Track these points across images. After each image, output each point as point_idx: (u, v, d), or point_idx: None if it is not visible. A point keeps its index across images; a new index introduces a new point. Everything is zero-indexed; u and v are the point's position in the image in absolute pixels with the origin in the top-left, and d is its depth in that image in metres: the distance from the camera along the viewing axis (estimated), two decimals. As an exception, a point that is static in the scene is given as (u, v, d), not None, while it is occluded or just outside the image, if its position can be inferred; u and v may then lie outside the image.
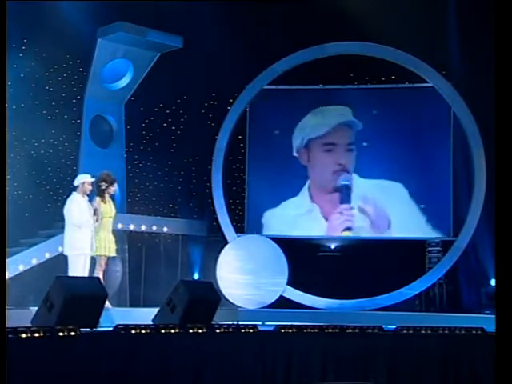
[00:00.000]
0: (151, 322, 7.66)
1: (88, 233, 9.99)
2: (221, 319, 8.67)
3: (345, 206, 13.81)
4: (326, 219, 13.89)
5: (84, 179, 10.13)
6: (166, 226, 13.77)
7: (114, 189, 10.57)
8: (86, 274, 9.87)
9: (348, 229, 13.85)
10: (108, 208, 10.37)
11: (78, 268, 9.79)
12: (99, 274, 10.09)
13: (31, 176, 12.75)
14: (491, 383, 7.13)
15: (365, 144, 13.86)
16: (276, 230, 14.04)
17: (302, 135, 14.09)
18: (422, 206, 13.60)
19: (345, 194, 13.80)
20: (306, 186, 14.03)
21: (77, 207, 9.97)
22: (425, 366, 7.62)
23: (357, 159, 13.92)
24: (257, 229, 14.01)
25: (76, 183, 10.15)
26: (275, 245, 13.44)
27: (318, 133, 14.03)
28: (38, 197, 12.84)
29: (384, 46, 13.53)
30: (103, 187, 10.34)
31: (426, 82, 13.68)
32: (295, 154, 14.10)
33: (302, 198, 14.01)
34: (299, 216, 13.97)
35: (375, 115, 13.88)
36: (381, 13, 12.63)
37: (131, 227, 13.22)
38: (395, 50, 13.50)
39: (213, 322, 7.93)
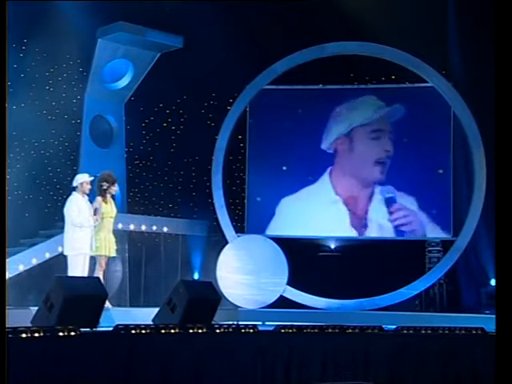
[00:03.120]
0: (151, 322, 7.66)
1: (88, 232, 9.99)
2: (221, 319, 8.67)
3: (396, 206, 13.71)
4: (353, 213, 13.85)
5: (82, 179, 10.13)
6: (166, 226, 13.77)
7: (116, 189, 10.57)
8: (85, 273, 9.88)
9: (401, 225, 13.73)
10: (109, 208, 10.37)
11: (78, 268, 9.80)
12: (99, 273, 10.08)
13: (31, 176, 12.75)
14: (491, 383, 7.12)
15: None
16: (292, 220, 13.95)
17: (344, 124, 13.98)
18: (417, 205, 13.64)
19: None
20: (327, 173, 13.96)
21: (76, 207, 9.98)
22: (425, 365, 7.61)
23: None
24: (257, 228, 14.01)
25: (75, 183, 10.16)
26: (275, 245, 13.44)
27: (364, 121, 13.93)
28: (38, 197, 12.83)
29: (384, 46, 13.53)
30: (104, 187, 10.34)
31: (426, 82, 13.68)
32: (326, 145, 13.97)
33: (323, 186, 13.95)
34: (321, 207, 13.90)
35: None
36: (381, 12, 12.64)
37: (131, 227, 13.22)
38: (395, 49, 13.50)
39: (213, 322, 7.93)
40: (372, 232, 13.76)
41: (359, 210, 13.82)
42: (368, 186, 13.85)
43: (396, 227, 13.71)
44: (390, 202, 13.70)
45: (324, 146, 14.02)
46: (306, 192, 13.96)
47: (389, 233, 13.68)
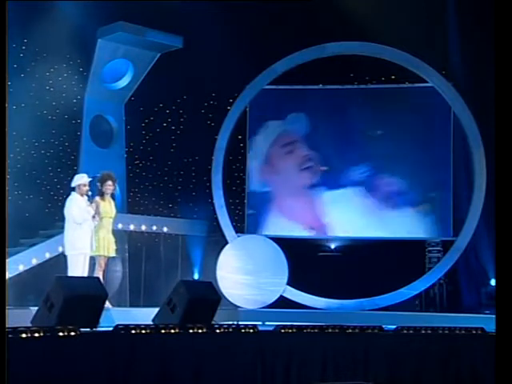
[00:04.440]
0: (151, 322, 7.66)
1: (88, 232, 10.00)
2: (221, 319, 8.67)
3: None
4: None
5: (79, 181, 10.13)
6: (165, 226, 13.77)
7: (111, 187, 10.49)
8: (85, 273, 9.88)
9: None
10: (108, 208, 10.37)
11: (78, 268, 9.80)
12: (99, 274, 10.08)
13: (31, 176, 12.76)
14: (491, 383, 7.12)
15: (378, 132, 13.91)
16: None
17: (257, 153, 14.17)
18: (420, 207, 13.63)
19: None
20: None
21: (76, 206, 9.99)
22: (425, 365, 7.62)
23: (360, 156, 13.93)
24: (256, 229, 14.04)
25: (73, 185, 10.17)
26: (275, 245, 13.44)
27: (271, 140, 14.12)
28: (38, 197, 12.83)
29: (384, 46, 13.54)
30: (101, 187, 10.36)
31: (426, 82, 13.68)
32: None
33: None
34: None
35: (375, 115, 13.89)
36: (381, 13, 12.64)
37: (131, 227, 13.22)
38: (395, 49, 13.51)
39: (213, 322, 7.93)
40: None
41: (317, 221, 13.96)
42: (307, 193, 13.95)
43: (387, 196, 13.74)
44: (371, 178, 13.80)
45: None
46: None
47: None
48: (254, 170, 14.17)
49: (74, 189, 10.17)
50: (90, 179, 10.25)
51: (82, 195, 10.10)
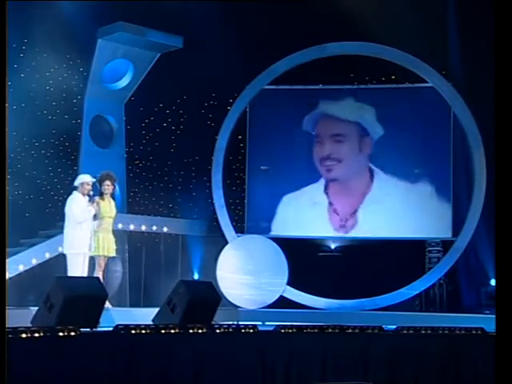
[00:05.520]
0: (151, 322, 7.67)
1: (88, 232, 10.00)
2: (221, 319, 8.67)
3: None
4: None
5: (83, 180, 10.14)
6: (166, 226, 13.77)
7: (109, 187, 10.48)
8: (85, 273, 9.88)
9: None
10: (108, 208, 10.37)
11: (78, 267, 9.80)
12: (99, 274, 10.08)
13: (31, 176, 12.76)
14: (491, 383, 7.12)
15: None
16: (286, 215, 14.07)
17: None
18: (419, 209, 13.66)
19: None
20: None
21: (77, 205, 10.00)
22: (425, 365, 7.62)
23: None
24: (257, 228, 14.02)
25: (76, 183, 10.18)
26: (275, 245, 13.44)
27: (309, 127, 14.15)
28: (38, 197, 12.84)
29: (384, 46, 13.54)
30: (100, 187, 10.37)
31: (426, 82, 13.68)
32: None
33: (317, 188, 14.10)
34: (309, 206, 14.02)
35: (375, 115, 13.90)
36: (381, 13, 12.64)
37: (131, 227, 13.21)
38: (395, 49, 13.51)
39: (213, 322, 7.93)
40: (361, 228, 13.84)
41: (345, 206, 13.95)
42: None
43: None
44: None
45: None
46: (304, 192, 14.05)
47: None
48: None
49: (75, 188, 10.18)
50: (94, 180, 10.26)
51: (83, 194, 10.11)
